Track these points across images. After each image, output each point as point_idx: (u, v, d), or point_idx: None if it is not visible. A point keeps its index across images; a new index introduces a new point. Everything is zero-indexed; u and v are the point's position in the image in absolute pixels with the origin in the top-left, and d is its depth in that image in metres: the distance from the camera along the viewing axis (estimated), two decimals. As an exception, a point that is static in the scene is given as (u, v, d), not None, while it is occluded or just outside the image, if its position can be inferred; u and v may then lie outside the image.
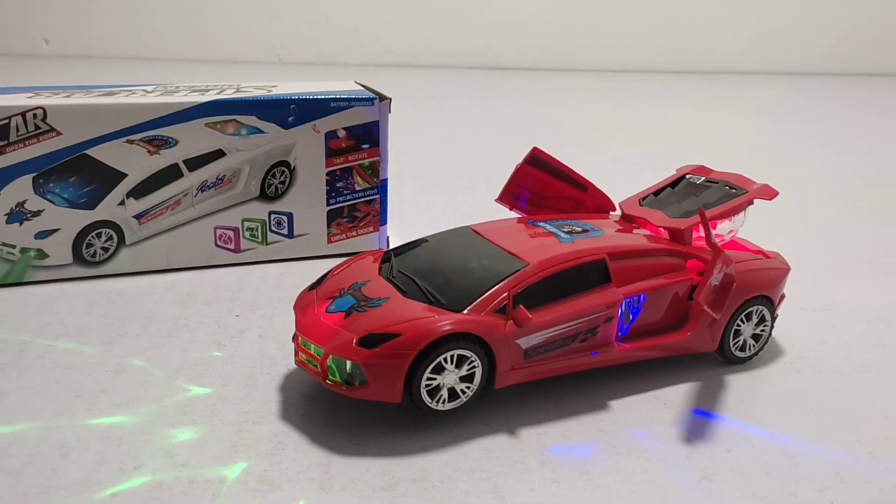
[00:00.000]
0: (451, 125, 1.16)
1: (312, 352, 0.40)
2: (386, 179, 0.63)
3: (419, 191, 0.81)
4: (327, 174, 0.61)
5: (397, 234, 0.67)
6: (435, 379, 0.38)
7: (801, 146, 1.12)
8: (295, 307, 0.43)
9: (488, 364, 0.39)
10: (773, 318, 0.48)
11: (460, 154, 0.98)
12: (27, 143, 0.53)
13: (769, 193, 0.48)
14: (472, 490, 0.36)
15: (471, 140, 1.06)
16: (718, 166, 0.54)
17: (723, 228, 0.48)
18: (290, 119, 0.59)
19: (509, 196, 0.52)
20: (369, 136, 0.61)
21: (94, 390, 0.43)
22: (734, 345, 0.47)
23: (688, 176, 0.51)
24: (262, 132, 0.59)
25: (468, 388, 0.39)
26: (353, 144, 0.61)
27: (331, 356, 0.39)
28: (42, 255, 0.56)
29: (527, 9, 1.80)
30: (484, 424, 0.40)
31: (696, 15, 1.82)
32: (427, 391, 0.38)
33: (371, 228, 0.63)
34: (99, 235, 0.57)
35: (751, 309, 0.46)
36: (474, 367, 0.39)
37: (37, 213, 0.55)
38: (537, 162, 0.51)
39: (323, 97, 0.59)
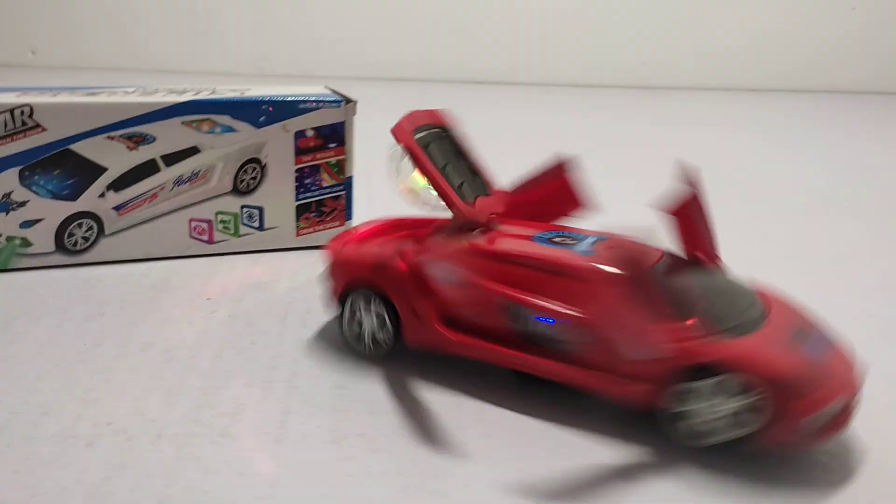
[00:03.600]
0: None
1: None
2: (352, 177, 0.67)
3: (387, 190, 0.85)
4: (296, 171, 0.65)
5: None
6: None
7: (757, 158, 1.17)
8: None
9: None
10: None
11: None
12: (14, 138, 0.57)
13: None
14: (412, 441, 0.40)
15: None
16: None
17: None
18: (262, 119, 0.63)
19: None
20: (336, 136, 0.66)
21: (72, 360, 0.47)
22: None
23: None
24: (235, 131, 0.63)
25: None
26: (321, 143, 0.65)
27: None
28: (26, 243, 0.59)
29: (499, 25, 1.86)
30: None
31: (660, 32, 1.89)
32: None
33: (337, 223, 0.68)
34: (80, 225, 0.60)
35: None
36: None
37: (22, 204, 0.59)
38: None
39: (292, 99, 0.64)
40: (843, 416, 0.38)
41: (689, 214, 0.42)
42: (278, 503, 0.35)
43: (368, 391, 0.44)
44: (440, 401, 0.44)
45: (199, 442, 0.39)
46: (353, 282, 0.48)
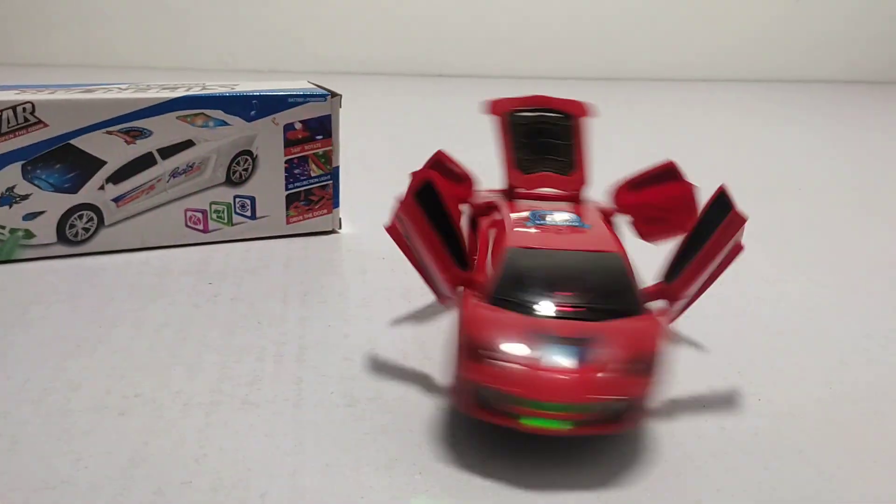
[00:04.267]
0: (396, 125, 1.25)
1: None
2: (338, 167, 0.71)
3: (368, 180, 0.89)
4: (286, 162, 0.69)
5: (348, 216, 0.75)
6: None
7: (710, 146, 1.24)
8: None
9: None
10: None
11: (403, 150, 1.06)
12: (17, 133, 0.60)
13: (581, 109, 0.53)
14: (418, 402, 0.44)
15: (413, 138, 1.15)
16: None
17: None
18: (253, 113, 0.66)
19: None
20: (323, 129, 0.69)
21: (92, 341, 0.50)
22: None
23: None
24: (227, 124, 0.66)
25: None
26: (309, 136, 0.69)
27: None
28: (29, 234, 0.62)
29: (466, 20, 1.90)
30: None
31: (620, 25, 1.95)
32: None
33: (325, 211, 0.71)
34: (81, 217, 0.63)
35: None
36: None
37: (25, 197, 0.61)
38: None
39: (282, 94, 0.67)
40: None
41: None
42: (306, 459, 0.39)
43: (374, 361, 0.49)
44: (442, 366, 0.48)
45: (225, 409, 0.43)
46: None
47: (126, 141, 0.63)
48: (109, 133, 0.62)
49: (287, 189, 0.69)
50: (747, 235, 0.45)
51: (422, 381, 0.47)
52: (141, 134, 0.63)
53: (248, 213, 0.69)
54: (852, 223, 0.82)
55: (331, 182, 0.71)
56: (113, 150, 0.63)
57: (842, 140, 1.32)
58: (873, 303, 0.61)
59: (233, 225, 0.68)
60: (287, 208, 0.70)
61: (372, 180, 0.90)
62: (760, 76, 2.02)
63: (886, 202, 0.92)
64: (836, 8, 2.02)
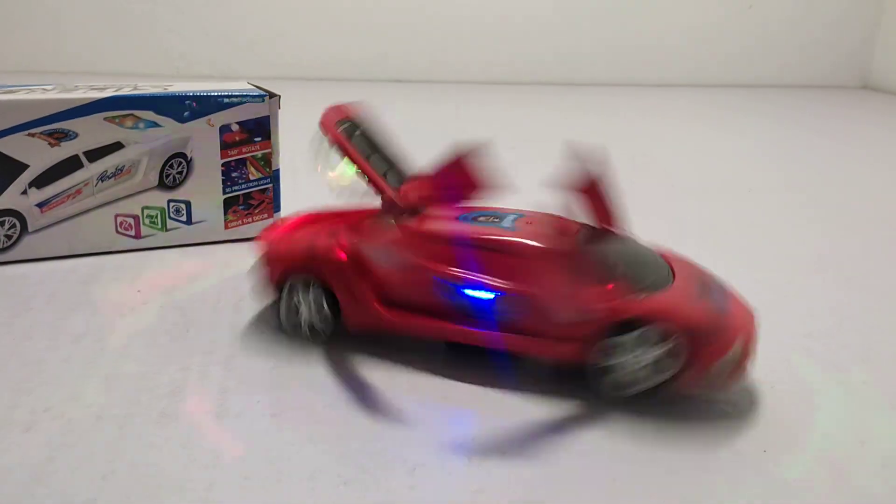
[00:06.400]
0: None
1: None
2: (278, 170, 0.68)
3: (313, 184, 0.86)
4: (223, 165, 0.66)
5: (291, 221, 0.73)
6: None
7: (658, 145, 1.23)
8: None
9: None
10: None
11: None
12: (-71, 135, 0.56)
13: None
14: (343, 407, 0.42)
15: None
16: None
17: None
18: (186, 114, 0.64)
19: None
20: (261, 130, 0.67)
21: (4, 352, 0.47)
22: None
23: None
24: (159, 126, 0.63)
25: None
26: (247, 137, 0.66)
27: None
28: (-55, 242, 0.58)
29: (420, 24, 1.89)
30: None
31: (575, 29, 1.95)
32: None
33: (265, 215, 0.69)
34: (2, 224, 0.60)
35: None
36: None
37: (-61, 203, 0.58)
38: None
39: (216, 94, 0.65)
40: (743, 360, 0.42)
41: (597, 190, 0.45)
42: (224, 472, 0.36)
43: (304, 370, 0.46)
44: (374, 375, 0.46)
45: (140, 421, 0.40)
46: (290, 270, 0.49)
47: (50, 143, 0.60)
48: (31, 135, 0.59)
49: (224, 193, 0.67)
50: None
51: (354, 391, 0.44)
52: (66, 136, 0.60)
53: (184, 219, 0.66)
54: (796, 223, 0.82)
55: (271, 185, 0.68)
56: (36, 153, 0.60)
57: (788, 143, 1.33)
58: (815, 302, 0.60)
59: (167, 230, 0.66)
60: (225, 213, 0.67)
61: (317, 183, 0.87)
62: (710, 81, 2.04)
63: (830, 202, 0.92)
64: (783, 13, 2.04)
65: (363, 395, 0.43)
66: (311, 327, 0.49)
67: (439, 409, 0.42)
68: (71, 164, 0.61)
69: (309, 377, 0.45)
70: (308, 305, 0.49)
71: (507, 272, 0.44)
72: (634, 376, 0.41)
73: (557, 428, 0.41)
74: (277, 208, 0.69)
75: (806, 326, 0.55)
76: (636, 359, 0.41)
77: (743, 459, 0.39)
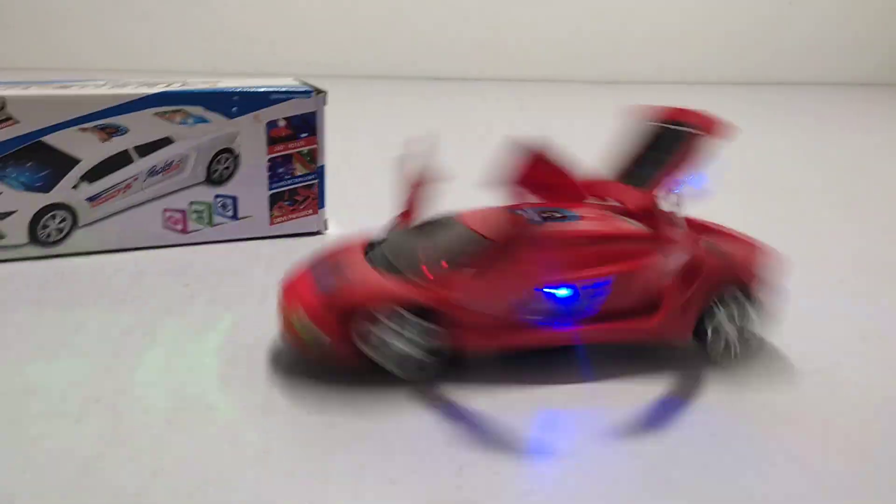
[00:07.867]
0: (382, 127, 1.22)
1: None
2: (323, 166, 0.68)
3: (355, 180, 0.86)
4: (269, 160, 0.66)
5: (335, 217, 0.72)
6: None
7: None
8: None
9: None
10: (758, 312, 0.47)
11: (390, 153, 1.04)
12: (-15, 130, 0.57)
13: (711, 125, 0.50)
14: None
15: (400, 141, 1.12)
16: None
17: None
18: (234, 109, 0.64)
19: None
20: (307, 126, 0.67)
21: (53, 345, 0.47)
22: (713, 339, 0.46)
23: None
24: (207, 121, 0.63)
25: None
26: (293, 133, 0.66)
27: None
28: (-1, 235, 0.60)
29: (453, 24, 1.89)
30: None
31: (561, 28, 1.93)
32: None
33: (310, 211, 0.69)
34: (54, 217, 0.61)
35: (724, 295, 0.46)
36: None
37: (-6, 196, 0.59)
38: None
39: (264, 90, 0.65)
40: None
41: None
42: (270, 468, 0.36)
43: (350, 368, 0.46)
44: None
45: (187, 415, 0.40)
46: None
47: (101, 138, 0.61)
48: (84, 130, 0.60)
49: (270, 188, 0.67)
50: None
51: (401, 386, 0.44)
52: (117, 131, 0.61)
53: (230, 214, 0.66)
54: (833, 222, 0.80)
55: (316, 181, 0.68)
56: (87, 148, 0.60)
57: (830, 141, 1.29)
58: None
59: (214, 226, 0.66)
60: (271, 208, 0.67)
61: (359, 182, 0.87)
62: (750, 79, 2.00)
63: (868, 202, 0.89)
64: (826, 10, 1.99)
65: (412, 389, 0.43)
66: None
67: (486, 409, 0.41)
68: (121, 159, 0.62)
69: (353, 374, 0.45)
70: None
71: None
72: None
73: (607, 427, 0.40)
74: (322, 204, 0.69)
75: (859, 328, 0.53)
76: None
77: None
